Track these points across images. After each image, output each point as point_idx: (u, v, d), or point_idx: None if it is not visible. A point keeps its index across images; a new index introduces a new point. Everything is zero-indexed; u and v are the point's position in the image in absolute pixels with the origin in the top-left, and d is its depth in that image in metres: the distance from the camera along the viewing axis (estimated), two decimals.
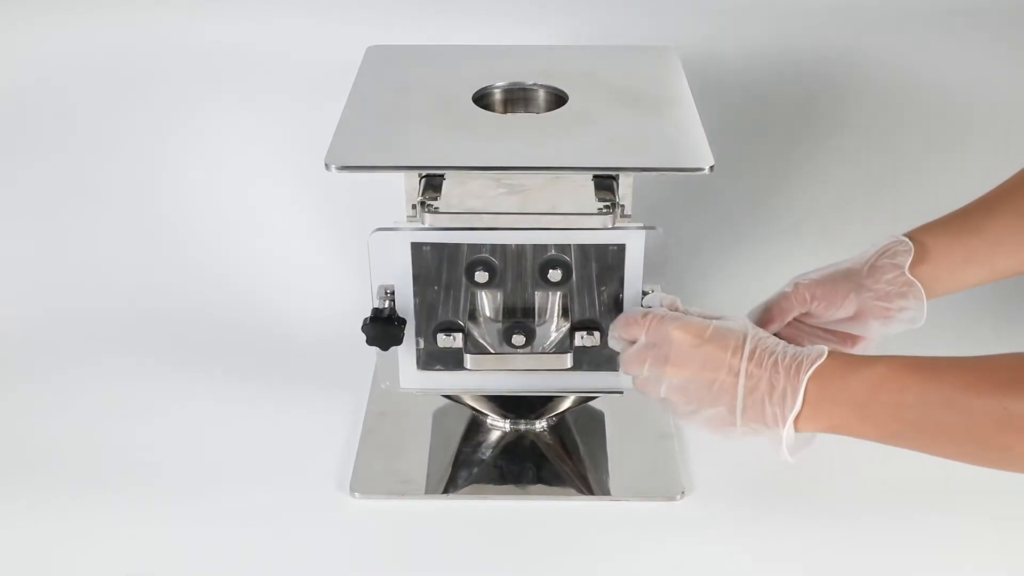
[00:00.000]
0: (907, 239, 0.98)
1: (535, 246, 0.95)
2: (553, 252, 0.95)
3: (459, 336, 0.97)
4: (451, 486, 1.02)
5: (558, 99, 1.00)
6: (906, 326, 0.98)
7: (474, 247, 0.95)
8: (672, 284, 1.00)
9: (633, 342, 0.91)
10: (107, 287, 1.28)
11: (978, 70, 1.29)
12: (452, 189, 0.91)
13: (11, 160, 1.30)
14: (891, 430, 0.81)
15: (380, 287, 0.97)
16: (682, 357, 0.87)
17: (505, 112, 1.02)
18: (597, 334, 0.98)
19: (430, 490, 1.02)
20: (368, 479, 1.02)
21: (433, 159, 0.90)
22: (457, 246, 0.95)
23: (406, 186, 0.93)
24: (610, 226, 0.90)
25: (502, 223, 0.92)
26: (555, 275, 0.95)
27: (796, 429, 0.84)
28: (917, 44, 1.29)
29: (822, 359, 0.83)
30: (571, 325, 0.98)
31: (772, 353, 0.85)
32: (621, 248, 0.95)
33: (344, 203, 1.28)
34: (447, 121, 0.95)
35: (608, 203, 0.89)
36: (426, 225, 0.91)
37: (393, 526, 0.98)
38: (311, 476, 1.03)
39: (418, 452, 1.06)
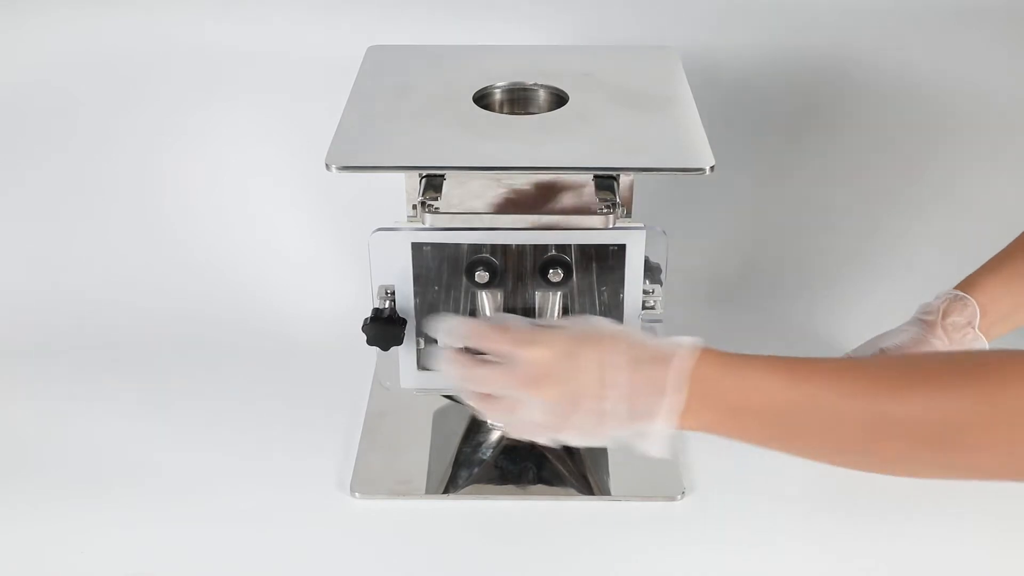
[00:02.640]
0: (968, 296, 1.00)
1: (535, 246, 0.95)
2: (553, 252, 0.95)
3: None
4: (451, 486, 1.02)
5: (558, 99, 1.00)
6: None
7: (474, 247, 0.95)
8: (672, 284, 1.00)
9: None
10: (107, 286, 1.28)
11: (979, 70, 1.29)
12: (452, 189, 0.91)
13: (11, 160, 1.30)
14: (762, 436, 0.78)
15: (380, 287, 0.97)
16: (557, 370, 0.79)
17: (505, 112, 1.02)
18: None
19: (430, 490, 1.02)
20: (368, 479, 1.02)
21: (433, 159, 0.90)
22: (457, 246, 0.95)
23: (406, 186, 0.93)
24: (610, 226, 0.90)
25: (502, 223, 0.92)
26: (556, 275, 0.95)
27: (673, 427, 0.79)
28: (917, 44, 1.29)
29: (695, 356, 0.77)
30: None
31: (646, 349, 0.79)
32: (621, 248, 0.95)
33: (344, 203, 1.28)
34: (447, 121, 0.95)
35: (608, 203, 0.89)
36: (426, 225, 0.91)
37: (393, 526, 0.98)
38: (311, 476, 1.03)
39: (418, 452, 1.06)
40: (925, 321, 1.01)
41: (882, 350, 1.00)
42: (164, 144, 1.30)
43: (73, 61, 1.28)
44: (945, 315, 1.00)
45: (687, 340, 0.79)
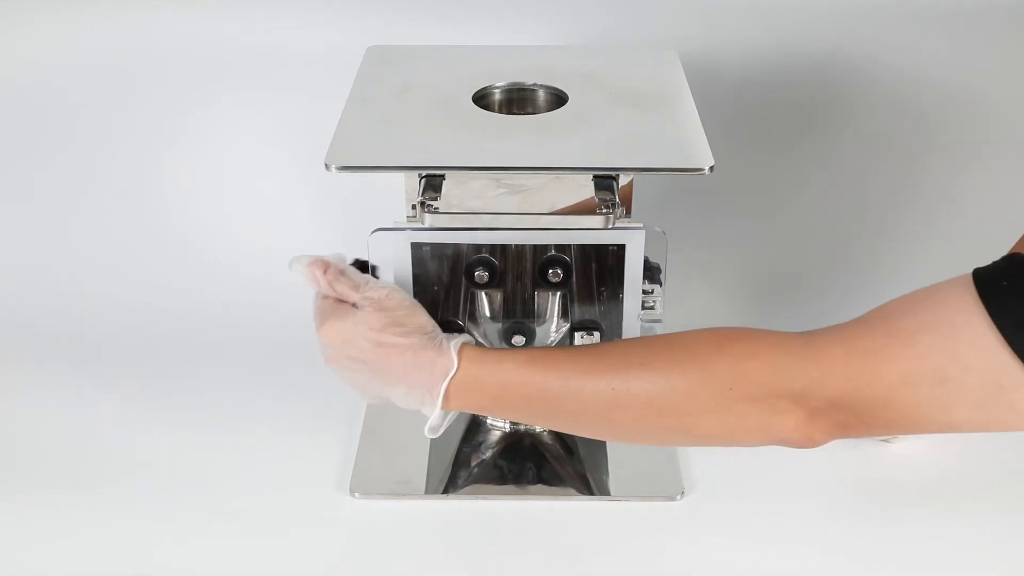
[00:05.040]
0: None
1: (535, 247, 0.95)
2: (553, 252, 0.95)
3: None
4: (451, 486, 1.02)
5: (558, 99, 1.00)
6: None
7: (474, 247, 0.95)
8: (672, 284, 1.00)
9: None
10: (106, 286, 1.29)
11: (979, 70, 1.29)
12: (452, 189, 0.91)
13: (11, 160, 1.30)
14: (525, 415, 0.95)
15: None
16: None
17: (505, 112, 1.02)
18: (597, 334, 0.98)
19: (430, 490, 1.02)
20: (368, 479, 1.02)
21: (433, 159, 0.90)
22: (457, 246, 0.95)
23: (406, 186, 0.93)
24: (610, 226, 0.90)
25: (502, 223, 0.92)
26: (555, 275, 0.95)
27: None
28: (917, 43, 1.29)
29: (453, 372, 0.86)
30: (571, 326, 0.98)
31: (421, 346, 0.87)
32: (621, 248, 0.94)
33: (344, 203, 1.28)
34: (447, 121, 0.95)
35: (608, 203, 0.89)
36: (426, 225, 0.91)
37: (393, 526, 0.98)
38: (311, 476, 1.03)
39: (418, 452, 1.06)
40: None
41: None
42: (164, 144, 1.30)
43: (73, 61, 1.28)
44: None
45: (453, 341, 0.87)
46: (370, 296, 0.88)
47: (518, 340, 0.97)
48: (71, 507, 1.00)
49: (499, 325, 0.98)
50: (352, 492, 1.01)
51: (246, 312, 1.26)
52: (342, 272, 0.90)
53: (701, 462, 1.04)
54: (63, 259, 1.30)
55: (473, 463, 1.05)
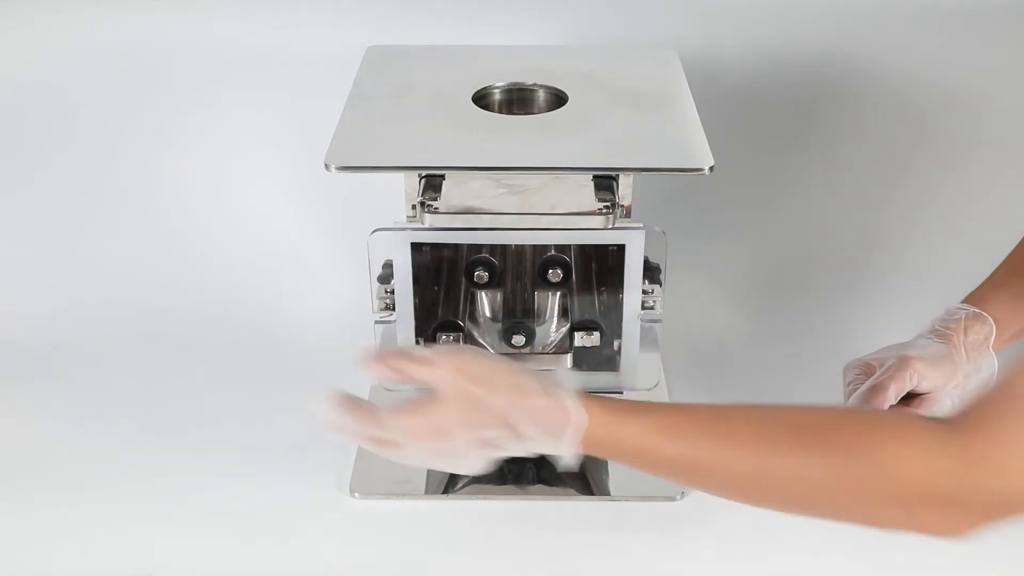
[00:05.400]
0: (985, 314, 0.98)
1: (535, 247, 0.95)
2: (553, 252, 0.95)
3: (459, 336, 0.97)
4: (451, 486, 1.02)
5: (558, 99, 1.00)
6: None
7: (474, 247, 0.95)
8: (671, 284, 1.00)
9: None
10: (107, 287, 1.28)
11: (979, 70, 1.29)
12: (452, 189, 0.91)
13: (11, 160, 1.30)
14: (650, 472, 0.84)
15: (379, 287, 0.97)
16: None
17: (505, 112, 1.02)
18: (597, 334, 0.98)
19: (430, 490, 1.01)
20: (368, 479, 1.02)
21: (433, 159, 0.90)
22: (457, 246, 0.95)
23: (406, 186, 0.93)
24: (610, 226, 0.90)
25: (502, 223, 0.92)
26: (555, 275, 0.94)
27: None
28: (917, 44, 1.28)
29: (583, 428, 0.82)
30: (571, 325, 0.98)
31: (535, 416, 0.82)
32: (621, 248, 0.94)
33: (344, 203, 1.28)
34: (447, 121, 0.95)
35: (608, 203, 0.89)
36: (426, 225, 0.91)
37: (393, 526, 0.98)
38: (311, 476, 1.03)
39: None
40: (947, 337, 0.98)
41: (906, 358, 0.97)
42: (164, 144, 1.30)
43: (73, 61, 1.28)
44: (966, 332, 0.98)
45: (571, 403, 0.81)
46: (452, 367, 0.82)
47: (518, 340, 0.97)
48: (71, 507, 1.00)
49: (499, 325, 0.98)
50: (352, 492, 1.01)
51: (246, 312, 1.26)
52: (403, 353, 0.83)
53: None
54: (63, 259, 1.30)
55: None
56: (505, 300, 0.98)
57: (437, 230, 0.93)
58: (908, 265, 1.29)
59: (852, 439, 0.78)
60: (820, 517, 0.81)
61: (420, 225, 0.91)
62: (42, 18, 1.27)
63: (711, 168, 0.86)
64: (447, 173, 0.90)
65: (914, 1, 1.27)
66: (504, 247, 0.95)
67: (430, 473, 1.03)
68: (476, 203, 0.92)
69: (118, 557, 0.94)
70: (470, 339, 0.97)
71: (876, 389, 0.94)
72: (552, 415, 0.81)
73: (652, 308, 0.98)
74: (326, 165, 0.87)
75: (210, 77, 1.29)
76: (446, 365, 0.81)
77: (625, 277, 0.96)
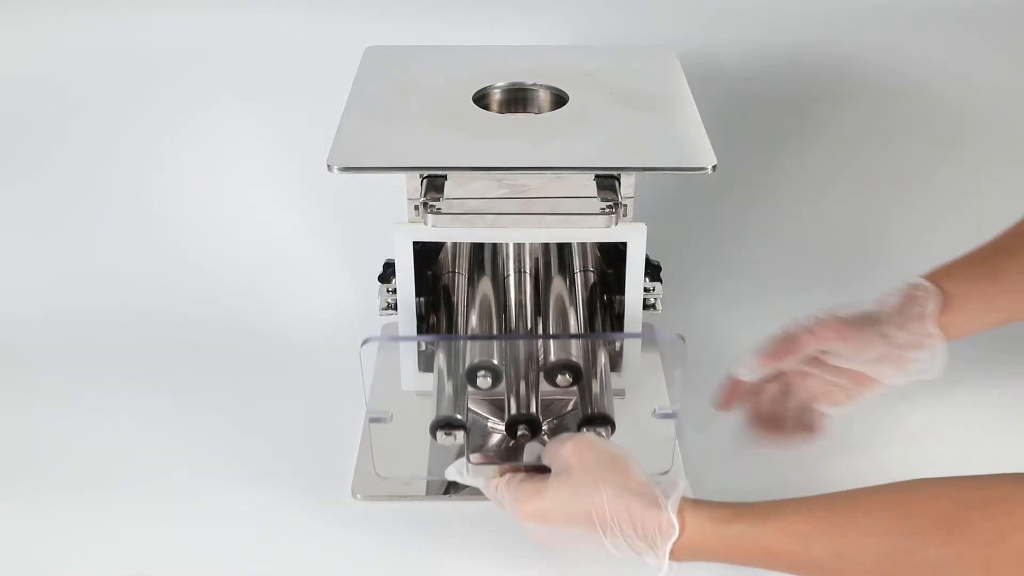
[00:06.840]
0: (933, 285, 0.96)
1: (539, 344, 0.93)
2: (562, 356, 0.93)
3: (460, 434, 0.93)
4: (452, 487, 1.02)
5: (558, 99, 1.00)
6: (921, 376, 0.96)
7: (482, 354, 0.93)
8: (671, 284, 1.00)
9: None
10: (105, 287, 1.28)
11: (978, 70, 1.29)
12: (454, 190, 0.91)
13: (9, 160, 1.30)
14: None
15: (382, 287, 0.97)
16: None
17: (505, 112, 1.02)
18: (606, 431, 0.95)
19: (431, 492, 1.01)
20: (369, 481, 1.01)
21: (435, 160, 0.89)
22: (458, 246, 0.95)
23: (408, 187, 0.93)
24: (612, 226, 0.90)
25: (504, 223, 0.92)
26: (564, 380, 0.93)
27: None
28: (916, 44, 1.29)
29: (673, 538, 0.82)
30: (580, 420, 0.95)
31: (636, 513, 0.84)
32: (622, 248, 0.94)
33: (344, 203, 1.28)
34: (448, 121, 0.94)
35: (611, 203, 0.89)
36: (428, 226, 0.90)
37: (394, 527, 0.98)
38: (311, 478, 1.03)
39: (419, 454, 1.06)
40: (885, 303, 0.96)
41: (818, 321, 0.95)
42: (162, 144, 1.30)
43: (73, 61, 1.27)
44: (911, 302, 0.95)
45: (671, 500, 0.83)
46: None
47: (523, 435, 0.93)
48: (71, 507, 0.99)
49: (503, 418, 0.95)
50: (354, 494, 1.00)
51: (245, 313, 1.26)
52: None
53: (702, 462, 1.04)
54: (58, 259, 1.30)
55: None
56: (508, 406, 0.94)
57: (439, 230, 0.93)
58: (910, 264, 1.29)
59: (993, 522, 0.74)
60: None
61: (422, 225, 0.91)
62: (42, 18, 1.27)
63: (714, 167, 0.86)
64: (449, 174, 0.90)
65: (914, 1, 1.27)
66: (505, 346, 0.92)
67: (431, 475, 1.03)
68: (478, 204, 0.92)
69: (118, 557, 0.94)
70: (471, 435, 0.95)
71: (784, 338, 0.95)
72: (651, 523, 0.83)
73: (653, 306, 0.98)
74: (328, 166, 0.86)
75: (208, 77, 1.29)
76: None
77: (627, 275, 0.96)
